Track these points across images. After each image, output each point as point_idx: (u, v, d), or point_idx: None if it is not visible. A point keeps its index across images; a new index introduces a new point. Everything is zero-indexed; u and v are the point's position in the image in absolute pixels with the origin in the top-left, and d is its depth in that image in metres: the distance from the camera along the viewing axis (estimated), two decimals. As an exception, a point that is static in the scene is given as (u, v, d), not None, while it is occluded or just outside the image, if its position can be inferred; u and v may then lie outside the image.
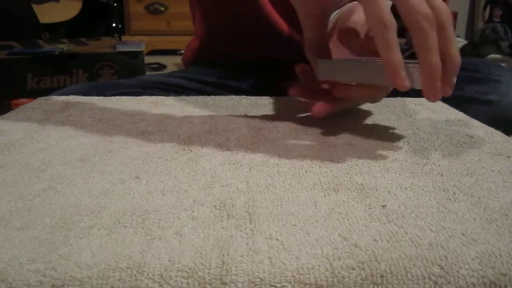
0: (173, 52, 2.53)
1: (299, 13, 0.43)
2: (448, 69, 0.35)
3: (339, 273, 0.21)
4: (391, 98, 0.55)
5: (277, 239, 0.23)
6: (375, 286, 0.21)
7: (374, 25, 0.34)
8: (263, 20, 0.72)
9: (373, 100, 0.48)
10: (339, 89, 0.43)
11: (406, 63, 0.35)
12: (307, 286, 0.21)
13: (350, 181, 0.31)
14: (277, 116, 0.50)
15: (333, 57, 0.45)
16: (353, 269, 0.21)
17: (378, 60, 0.38)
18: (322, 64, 0.43)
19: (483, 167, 0.34)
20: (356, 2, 0.43)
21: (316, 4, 0.41)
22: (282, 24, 0.72)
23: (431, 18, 0.33)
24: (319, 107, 0.42)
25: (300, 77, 0.48)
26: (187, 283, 0.21)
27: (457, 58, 0.35)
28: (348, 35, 0.43)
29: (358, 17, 0.43)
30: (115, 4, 2.50)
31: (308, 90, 0.46)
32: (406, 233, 0.24)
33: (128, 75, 1.76)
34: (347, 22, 0.43)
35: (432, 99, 0.35)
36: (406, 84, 0.34)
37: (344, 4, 0.44)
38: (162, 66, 2.46)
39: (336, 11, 0.49)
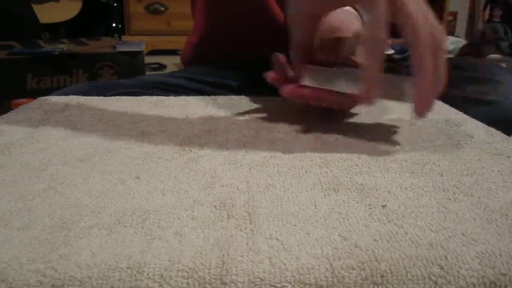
0: (173, 52, 2.53)
1: (293, 13, 0.44)
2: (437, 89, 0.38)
3: (339, 273, 0.21)
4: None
5: (277, 239, 0.23)
6: (375, 286, 0.21)
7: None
8: (264, 16, 0.72)
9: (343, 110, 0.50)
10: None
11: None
12: (307, 286, 0.21)
13: (350, 181, 0.31)
14: (277, 116, 0.50)
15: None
16: (353, 269, 0.21)
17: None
18: (309, 70, 0.44)
19: (483, 167, 0.34)
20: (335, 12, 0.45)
21: (320, 6, 0.42)
22: (283, 21, 0.72)
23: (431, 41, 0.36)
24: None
25: (276, 68, 0.48)
26: (187, 283, 0.21)
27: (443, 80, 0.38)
28: (334, 43, 0.44)
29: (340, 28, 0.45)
30: (115, 4, 2.50)
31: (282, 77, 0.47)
32: (406, 233, 0.24)
33: (128, 75, 1.76)
34: (328, 31, 0.45)
35: (421, 115, 0.37)
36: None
37: None
38: (162, 66, 2.46)
39: None
